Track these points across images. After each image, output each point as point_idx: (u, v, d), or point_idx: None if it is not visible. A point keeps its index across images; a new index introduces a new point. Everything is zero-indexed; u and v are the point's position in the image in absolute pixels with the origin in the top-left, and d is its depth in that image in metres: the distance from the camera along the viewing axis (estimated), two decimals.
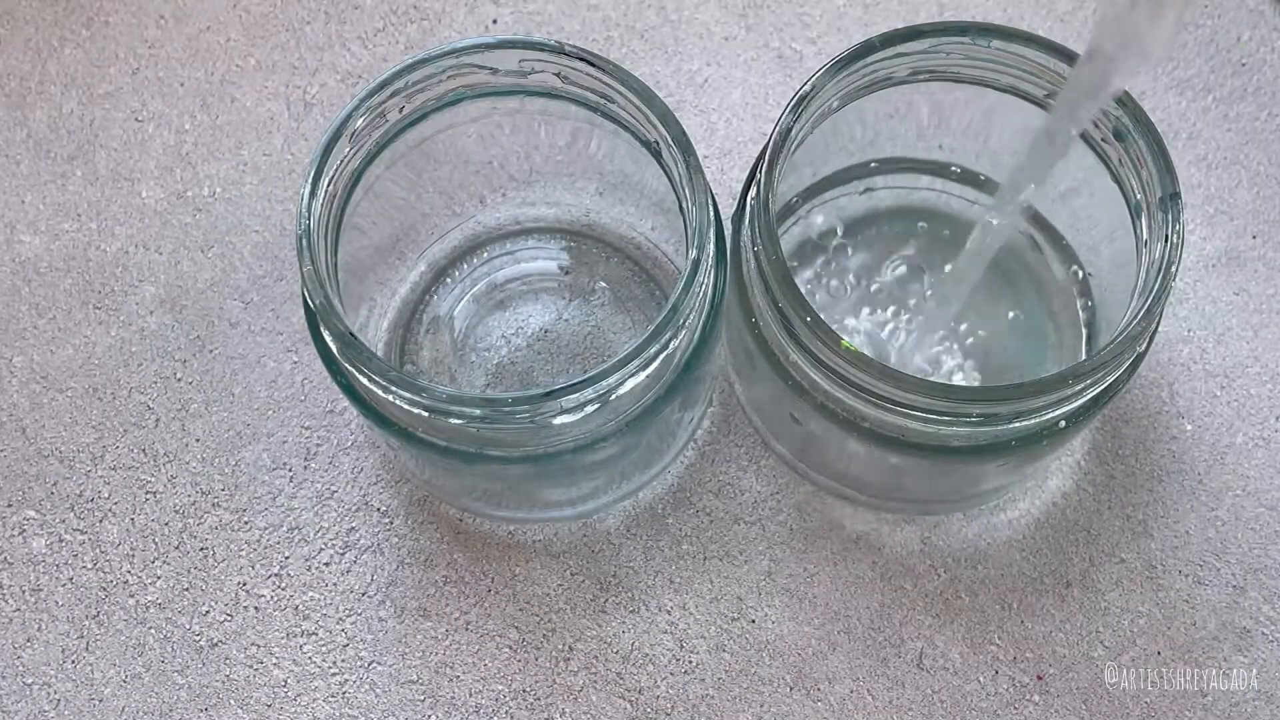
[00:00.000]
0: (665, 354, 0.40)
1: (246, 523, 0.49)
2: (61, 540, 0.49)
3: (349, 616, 0.48)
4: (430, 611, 0.48)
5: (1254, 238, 0.52)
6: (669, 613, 0.48)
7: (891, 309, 0.48)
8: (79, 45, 0.56)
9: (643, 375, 0.40)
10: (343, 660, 0.48)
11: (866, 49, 0.42)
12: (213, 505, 0.50)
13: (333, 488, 0.50)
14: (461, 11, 0.56)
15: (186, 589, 0.49)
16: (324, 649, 0.48)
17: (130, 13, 0.56)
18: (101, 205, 0.53)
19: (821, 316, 0.39)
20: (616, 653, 0.48)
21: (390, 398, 0.39)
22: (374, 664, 0.48)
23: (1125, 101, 0.41)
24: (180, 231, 0.53)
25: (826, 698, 0.47)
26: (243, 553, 0.49)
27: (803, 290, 0.40)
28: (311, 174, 0.41)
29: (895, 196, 0.49)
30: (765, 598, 0.48)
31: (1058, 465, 0.50)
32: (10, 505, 0.50)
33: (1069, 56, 0.42)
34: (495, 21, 0.56)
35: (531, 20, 0.56)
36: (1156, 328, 0.42)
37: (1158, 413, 0.50)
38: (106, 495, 0.50)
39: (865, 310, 0.48)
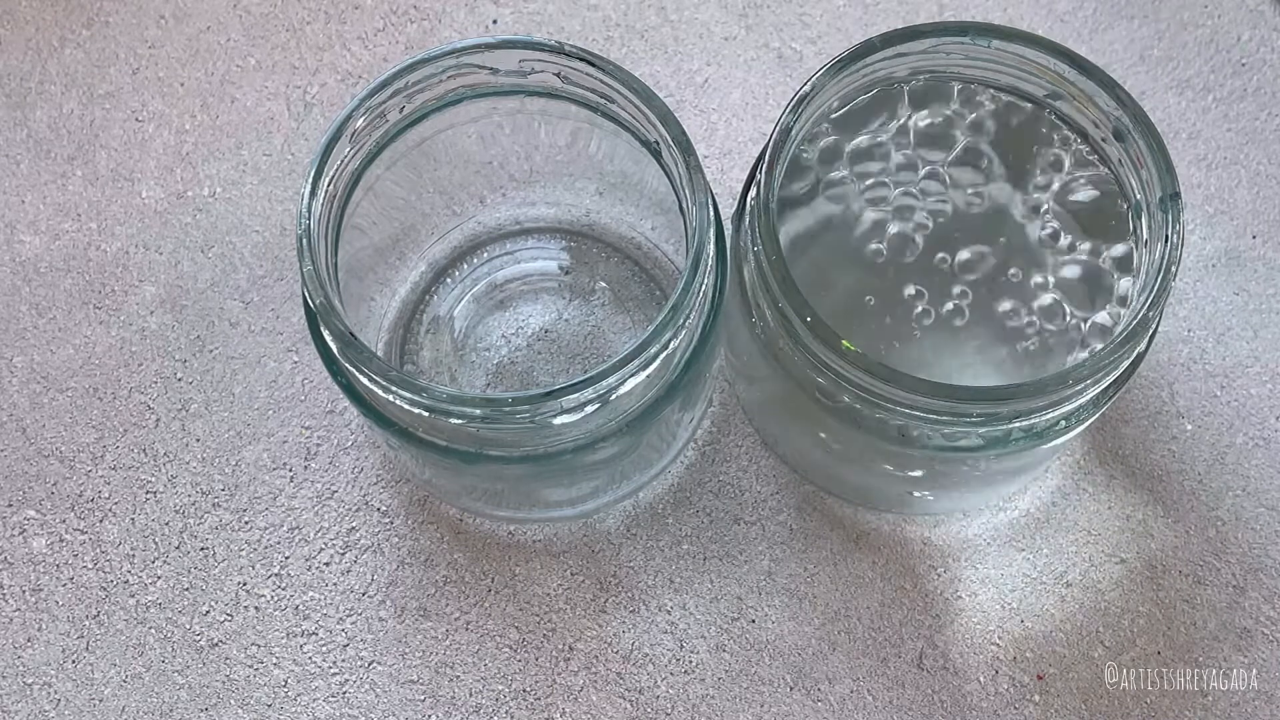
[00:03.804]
0: (665, 354, 0.40)
1: (247, 523, 0.49)
2: (62, 540, 0.49)
3: (349, 616, 0.48)
4: (430, 611, 0.48)
5: (1254, 238, 0.52)
6: (669, 613, 0.48)
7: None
8: (79, 45, 0.56)
9: (643, 375, 0.40)
10: (343, 660, 0.48)
11: (866, 49, 0.42)
12: (213, 505, 0.50)
13: (333, 488, 0.50)
14: (461, 11, 0.56)
15: (187, 589, 0.49)
16: (324, 649, 0.48)
17: (130, 13, 0.56)
18: (101, 205, 0.53)
19: (821, 316, 0.40)
20: (616, 653, 0.48)
21: (390, 398, 0.39)
22: (374, 664, 0.48)
23: (1125, 101, 0.41)
24: (180, 231, 0.53)
25: (826, 698, 0.47)
26: (243, 553, 0.49)
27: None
28: (311, 174, 0.41)
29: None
30: (765, 598, 0.48)
31: (1058, 465, 0.50)
32: (10, 505, 0.50)
33: (1069, 56, 0.42)
34: (495, 21, 0.56)
35: (531, 20, 0.56)
36: (1156, 328, 0.42)
37: (1158, 413, 0.50)
38: (107, 495, 0.50)
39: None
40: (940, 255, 0.47)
